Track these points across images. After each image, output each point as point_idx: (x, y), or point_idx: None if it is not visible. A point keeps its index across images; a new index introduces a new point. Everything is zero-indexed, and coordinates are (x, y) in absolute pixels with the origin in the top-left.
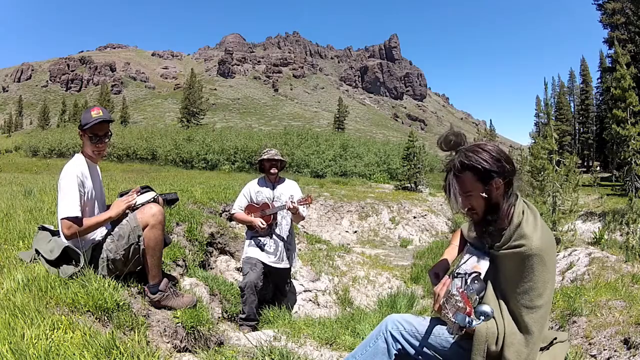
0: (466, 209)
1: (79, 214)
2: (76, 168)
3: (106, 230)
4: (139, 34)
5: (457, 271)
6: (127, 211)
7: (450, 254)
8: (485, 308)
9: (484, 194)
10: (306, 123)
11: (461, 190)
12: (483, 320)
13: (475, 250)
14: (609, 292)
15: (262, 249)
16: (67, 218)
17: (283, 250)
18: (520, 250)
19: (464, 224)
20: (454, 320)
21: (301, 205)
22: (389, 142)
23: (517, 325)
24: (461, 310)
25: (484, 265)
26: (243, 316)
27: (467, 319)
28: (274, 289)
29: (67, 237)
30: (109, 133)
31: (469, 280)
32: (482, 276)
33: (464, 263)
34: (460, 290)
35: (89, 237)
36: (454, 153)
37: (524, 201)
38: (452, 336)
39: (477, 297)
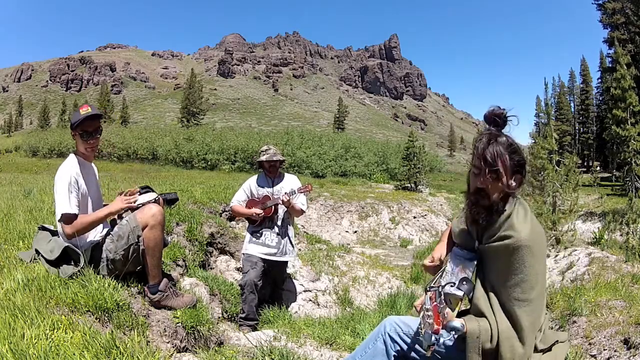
0: (480, 186)
1: (77, 211)
2: (70, 168)
3: (106, 231)
4: (139, 34)
5: (430, 285)
6: (128, 211)
7: (441, 248)
8: (456, 324)
9: (510, 181)
10: (306, 123)
11: (489, 166)
12: (454, 336)
13: (461, 252)
14: (609, 292)
15: (263, 243)
16: (65, 215)
17: (284, 243)
18: (509, 242)
19: (453, 221)
20: (422, 338)
21: (301, 192)
22: (389, 142)
23: (510, 320)
24: (430, 327)
25: (470, 268)
26: (243, 315)
27: (434, 337)
28: (272, 285)
29: (68, 237)
30: (100, 128)
31: (442, 292)
32: (470, 276)
33: (449, 269)
34: (434, 303)
35: (88, 237)
36: (492, 128)
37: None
38: (426, 351)
39: (468, 297)
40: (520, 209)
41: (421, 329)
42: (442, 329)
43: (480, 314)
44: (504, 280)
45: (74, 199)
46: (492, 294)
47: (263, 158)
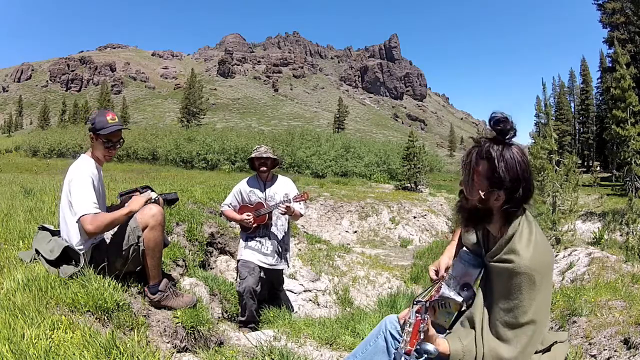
0: (460, 188)
1: (98, 211)
2: (88, 168)
3: None
4: (139, 34)
5: (417, 298)
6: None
7: (450, 252)
8: (429, 347)
9: (481, 193)
10: (306, 123)
11: (469, 168)
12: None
13: (468, 257)
14: (609, 292)
15: (259, 251)
16: (88, 215)
17: (280, 251)
18: (508, 266)
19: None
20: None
21: (297, 201)
22: (389, 142)
23: (498, 339)
24: (404, 346)
25: (474, 274)
26: (243, 319)
27: (404, 357)
28: (269, 286)
29: (90, 235)
30: (122, 140)
31: (442, 295)
32: (472, 283)
33: (454, 270)
34: (418, 318)
35: (89, 238)
36: (491, 133)
37: (524, 212)
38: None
39: (467, 304)
40: (525, 230)
41: (399, 346)
42: (413, 350)
43: (471, 325)
44: (499, 302)
45: (95, 198)
46: (486, 311)
47: (253, 155)
